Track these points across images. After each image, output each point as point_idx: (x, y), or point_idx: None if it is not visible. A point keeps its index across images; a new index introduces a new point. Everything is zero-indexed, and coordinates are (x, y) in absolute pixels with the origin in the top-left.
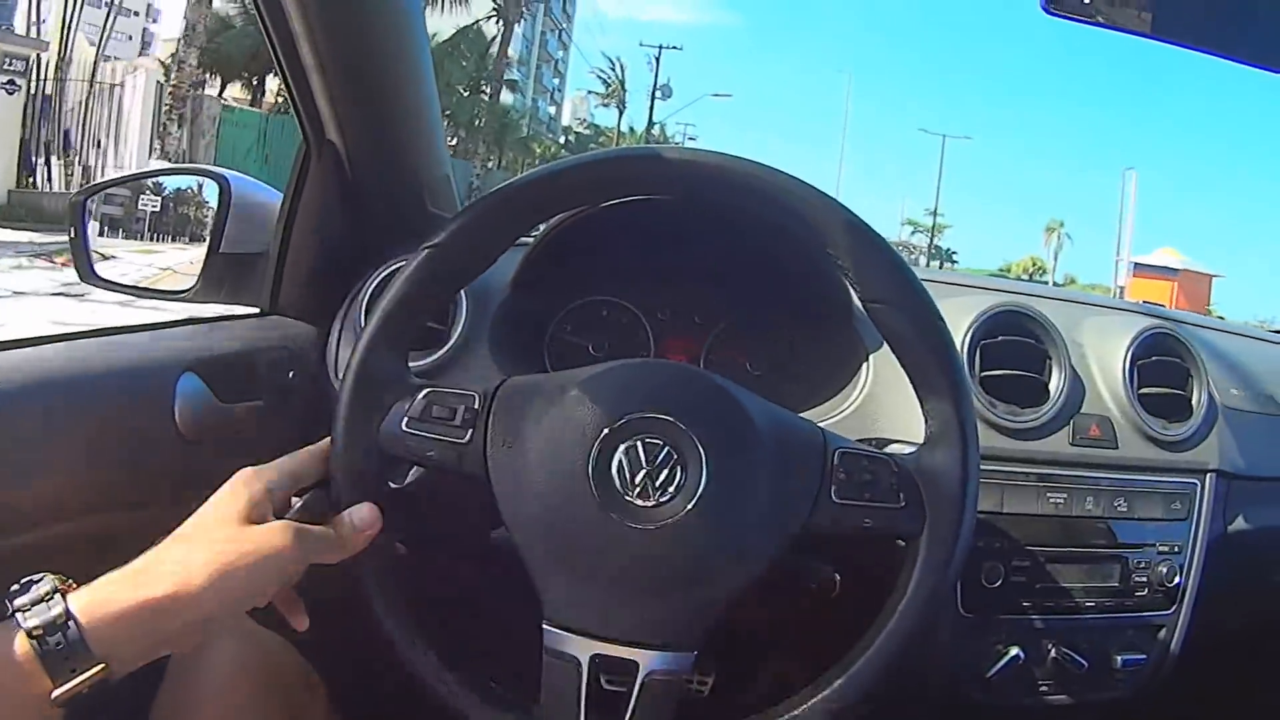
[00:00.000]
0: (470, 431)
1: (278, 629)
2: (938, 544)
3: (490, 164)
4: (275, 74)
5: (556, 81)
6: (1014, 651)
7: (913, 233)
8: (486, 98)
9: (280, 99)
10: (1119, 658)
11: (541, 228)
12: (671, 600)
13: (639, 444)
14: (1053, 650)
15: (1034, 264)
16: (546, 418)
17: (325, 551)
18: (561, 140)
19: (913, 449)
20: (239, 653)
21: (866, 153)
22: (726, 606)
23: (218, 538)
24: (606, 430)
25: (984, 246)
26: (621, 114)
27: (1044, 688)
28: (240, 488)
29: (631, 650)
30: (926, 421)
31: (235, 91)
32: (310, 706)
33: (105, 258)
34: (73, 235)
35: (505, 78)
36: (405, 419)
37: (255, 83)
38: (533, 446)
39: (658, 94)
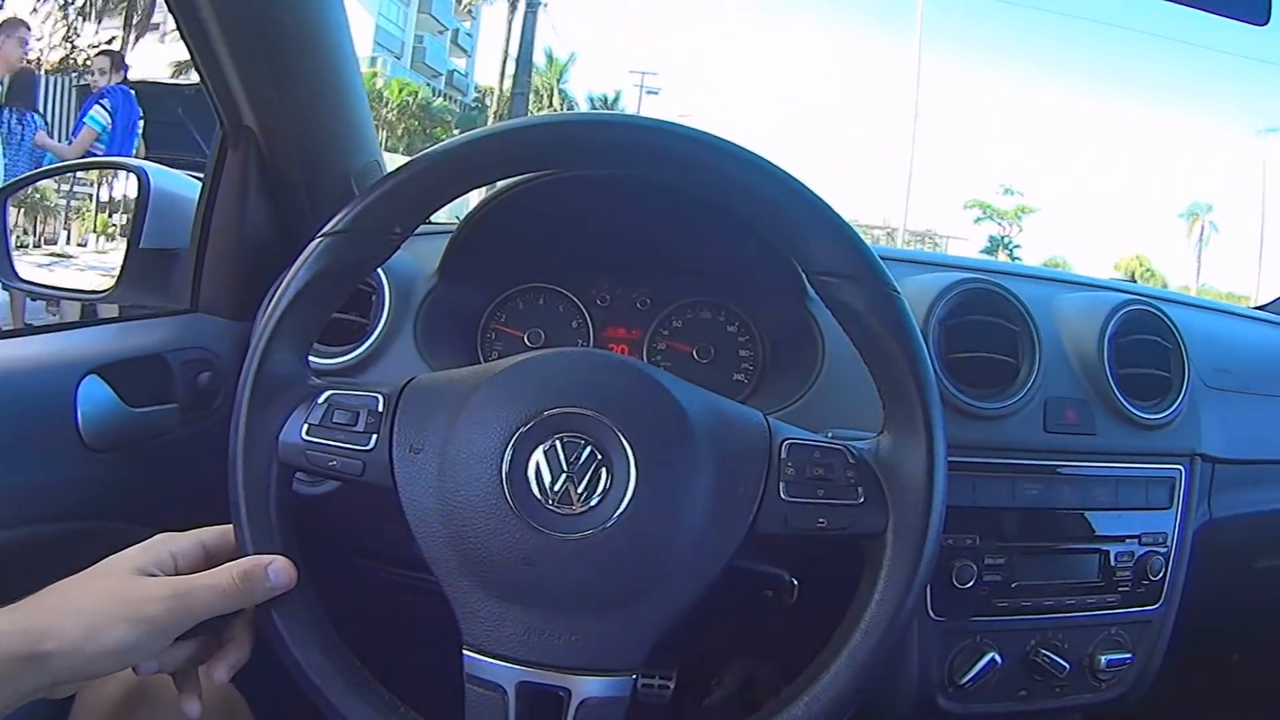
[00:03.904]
0: (374, 437)
1: None
2: (904, 542)
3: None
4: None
5: (465, 25)
6: (990, 655)
7: (979, 218)
8: None
9: None
10: (1103, 658)
11: (468, 210)
12: (602, 620)
13: (558, 443)
14: (1031, 653)
15: (1140, 264)
16: (456, 418)
17: (222, 606)
18: (470, 99)
19: (871, 439)
20: (151, 675)
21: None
22: (669, 625)
23: (95, 591)
24: (520, 429)
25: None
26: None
27: (1023, 693)
28: (145, 545)
29: (561, 676)
30: (885, 405)
31: None
32: None
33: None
34: None
35: None
36: (305, 426)
37: None
38: (441, 451)
39: None
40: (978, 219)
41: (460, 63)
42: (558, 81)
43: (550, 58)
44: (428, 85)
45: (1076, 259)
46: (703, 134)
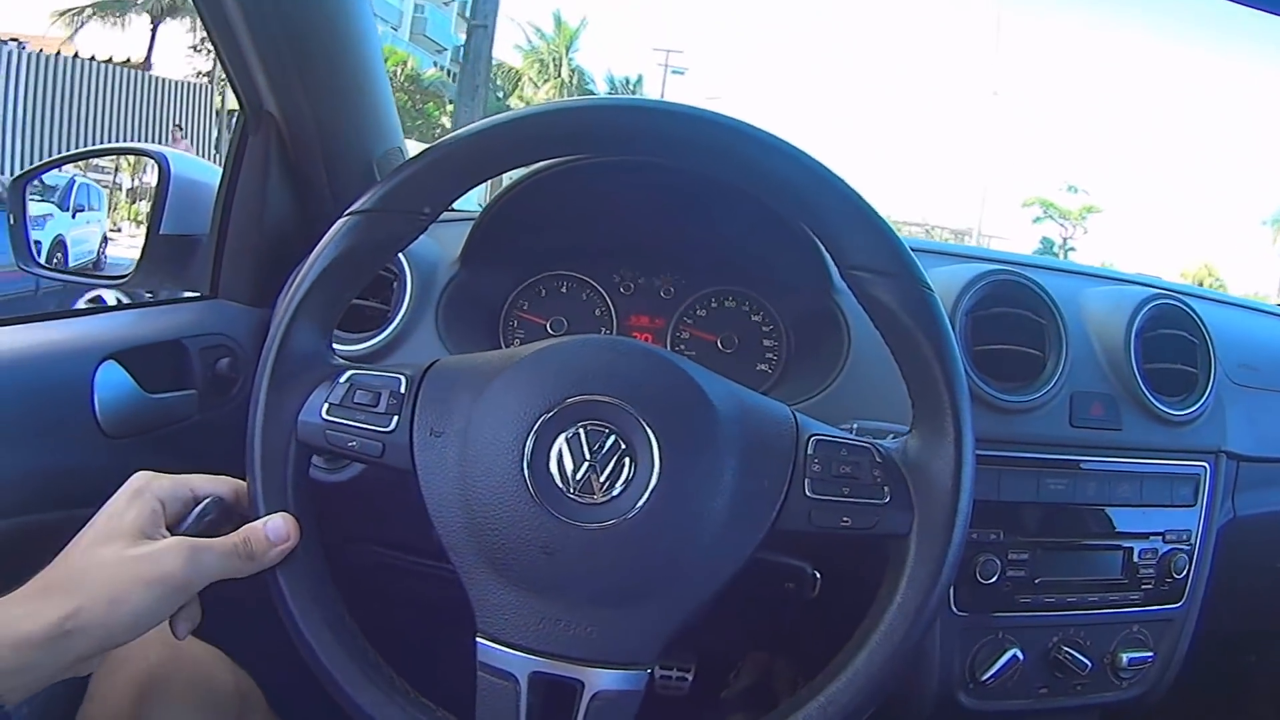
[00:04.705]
0: (395, 419)
1: (209, 639)
2: (928, 545)
3: None
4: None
5: None
6: (1012, 652)
7: (1039, 218)
8: None
9: None
10: (1124, 656)
11: (490, 197)
12: (620, 612)
13: (581, 432)
14: (1054, 650)
15: (1209, 274)
16: (478, 403)
17: (228, 569)
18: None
19: (899, 438)
20: (166, 663)
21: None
22: (686, 619)
23: (108, 559)
24: (544, 416)
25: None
26: None
27: (1044, 690)
28: (131, 499)
29: (575, 668)
30: (914, 405)
31: None
32: (244, 717)
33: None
34: (12, 221)
35: None
36: (326, 405)
37: None
38: (463, 435)
39: None
40: (1037, 218)
41: (462, 37)
42: (567, 50)
43: (559, 22)
44: (433, 62)
45: (1137, 267)
46: (739, 122)
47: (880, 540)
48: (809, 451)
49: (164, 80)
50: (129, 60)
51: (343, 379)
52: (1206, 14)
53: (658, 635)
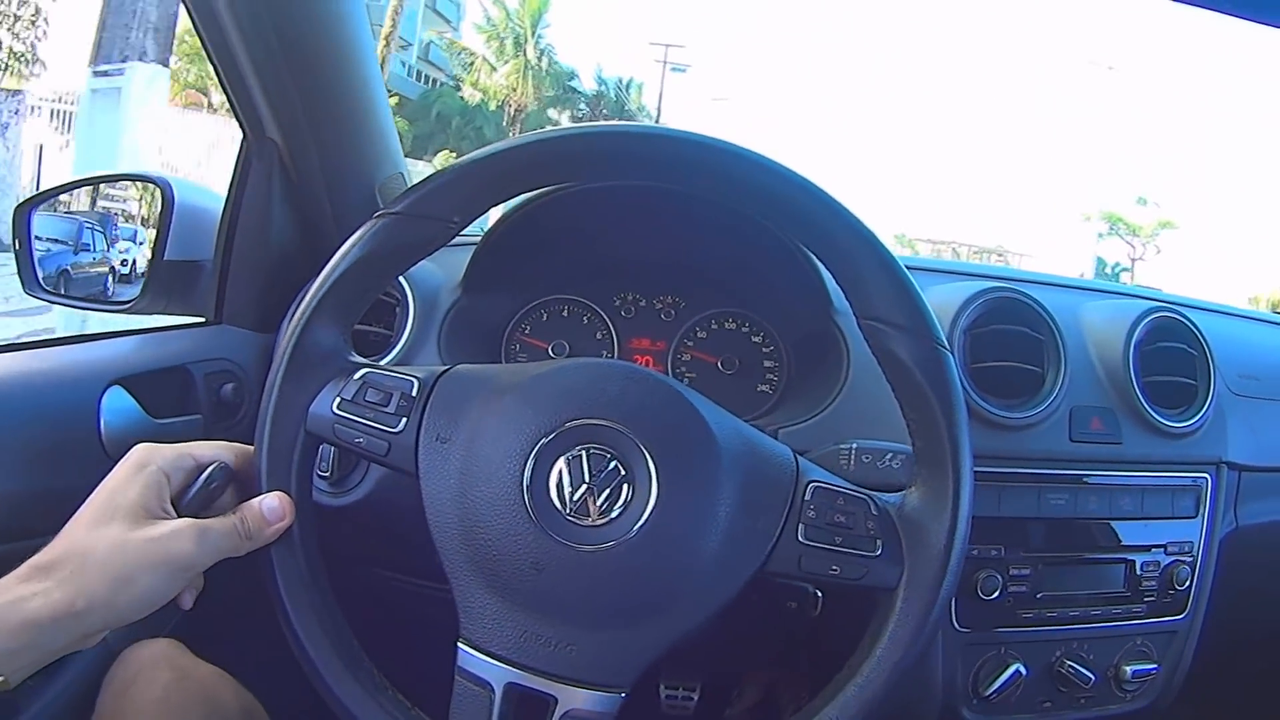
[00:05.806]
0: (403, 421)
1: (215, 660)
2: (914, 603)
3: None
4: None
5: None
6: (1015, 667)
7: (1103, 234)
8: None
9: None
10: (1128, 669)
11: (489, 224)
12: (601, 635)
13: (583, 454)
14: (1057, 664)
15: None
16: (486, 416)
17: (230, 548)
18: (449, 75)
19: (895, 453)
20: (174, 687)
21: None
22: (666, 649)
23: (115, 540)
24: (547, 436)
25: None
26: None
27: (1048, 704)
28: (134, 473)
29: (550, 684)
30: (916, 460)
31: None
32: None
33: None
34: (17, 246)
35: None
36: (338, 400)
37: None
38: (468, 445)
39: None
40: (1101, 235)
41: (443, 35)
42: (534, 28)
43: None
44: (400, 61)
45: (1204, 291)
46: (770, 161)
47: (867, 592)
48: (806, 497)
49: None
50: None
51: (356, 376)
52: None
53: (637, 661)
